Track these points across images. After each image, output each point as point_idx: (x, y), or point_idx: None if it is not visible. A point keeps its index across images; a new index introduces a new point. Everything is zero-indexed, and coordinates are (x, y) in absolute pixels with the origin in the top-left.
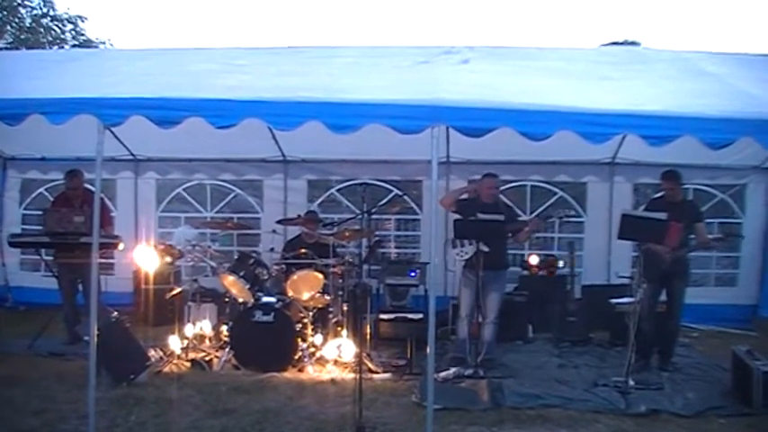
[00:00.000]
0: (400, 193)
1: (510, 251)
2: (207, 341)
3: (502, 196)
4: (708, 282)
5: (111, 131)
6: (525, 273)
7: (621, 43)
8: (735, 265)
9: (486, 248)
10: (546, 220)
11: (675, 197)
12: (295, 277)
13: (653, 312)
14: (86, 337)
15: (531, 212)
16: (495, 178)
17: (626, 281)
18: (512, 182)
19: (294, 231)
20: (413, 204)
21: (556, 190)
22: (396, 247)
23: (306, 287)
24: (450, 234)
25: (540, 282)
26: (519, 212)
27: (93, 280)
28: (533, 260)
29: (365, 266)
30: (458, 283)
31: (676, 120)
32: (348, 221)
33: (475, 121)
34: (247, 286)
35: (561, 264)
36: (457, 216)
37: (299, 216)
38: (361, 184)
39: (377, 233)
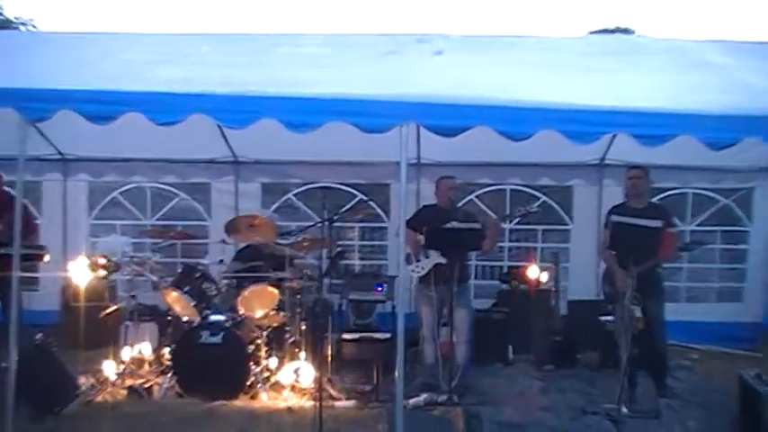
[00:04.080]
0: (365, 198)
1: (486, 262)
2: (146, 366)
3: (481, 204)
4: (709, 297)
5: (36, 128)
6: (504, 287)
7: (612, 31)
8: (740, 279)
9: (442, 260)
10: (505, 219)
11: (639, 202)
12: (247, 293)
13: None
14: (3, 364)
15: (510, 223)
16: (452, 180)
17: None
18: (489, 185)
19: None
20: (379, 211)
21: (538, 194)
22: (360, 259)
23: (259, 304)
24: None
25: (520, 297)
26: (478, 219)
27: (14, 296)
28: (532, 273)
29: (326, 280)
30: (414, 302)
31: (672, 117)
32: (307, 230)
33: (448, 118)
34: (193, 303)
35: (544, 277)
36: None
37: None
38: (321, 188)
39: (339, 243)
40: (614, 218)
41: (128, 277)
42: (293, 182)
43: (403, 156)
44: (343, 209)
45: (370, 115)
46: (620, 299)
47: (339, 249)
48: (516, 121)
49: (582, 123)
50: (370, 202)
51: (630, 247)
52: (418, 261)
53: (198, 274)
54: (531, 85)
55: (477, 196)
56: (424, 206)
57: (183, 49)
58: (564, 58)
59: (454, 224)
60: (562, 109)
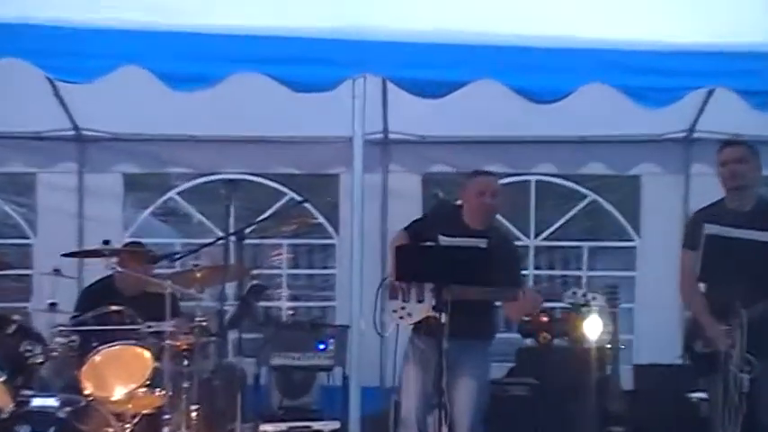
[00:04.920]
0: (299, 197)
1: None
2: None
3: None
4: None
5: None
6: (528, 342)
7: None
8: None
9: (436, 311)
10: (557, 295)
11: (744, 202)
12: (98, 358)
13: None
14: None
15: (537, 235)
16: (490, 178)
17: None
18: (503, 176)
19: (99, 272)
20: (321, 219)
21: (582, 190)
22: (292, 298)
23: (119, 376)
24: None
25: (555, 360)
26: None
27: None
28: (574, 319)
29: (232, 335)
30: (400, 360)
31: None
32: (201, 251)
33: (432, 68)
34: (3, 378)
35: (594, 326)
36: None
37: (108, 245)
38: (225, 182)
39: (256, 273)
40: (707, 229)
41: None
42: (177, 172)
43: (358, 128)
44: (263, 216)
45: (306, 63)
46: (719, 363)
47: (255, 283)
48: (543, 70)
49: (653, 73)
50: (307, 205)
51: (734, 277)
52: (406, 300)
53: (12, 328)
54: (564, 12)
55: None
56: (441, 206)
57: None
58: None
59: (442, 239)
60: (619, 50)
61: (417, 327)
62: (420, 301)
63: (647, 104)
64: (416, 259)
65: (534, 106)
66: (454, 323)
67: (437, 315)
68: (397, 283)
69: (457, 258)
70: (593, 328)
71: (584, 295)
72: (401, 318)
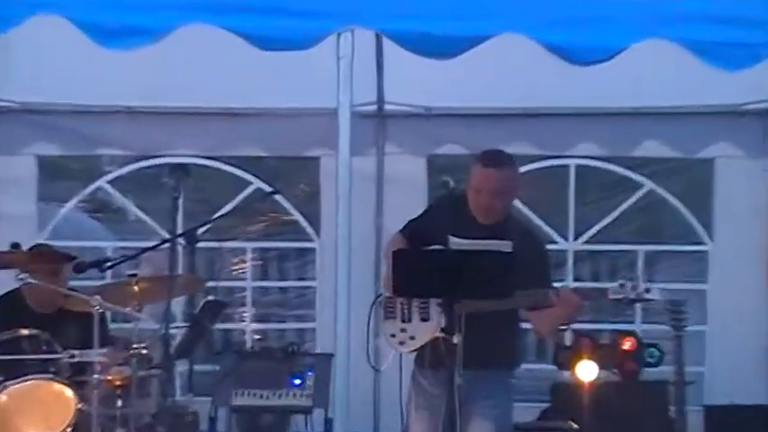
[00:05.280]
0: (268, 188)
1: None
2: None
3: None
4: None
5: None
6: (565, 375)
7: None
8: None
9: (446, 333)
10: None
11: None
12: (4, 398)
13: None
14: None
15: (577, 237)
16: (510, 168)
17: None
18: (535, 160)
19: (6, 284)
20: (297, 215)
21: (637, 178)
22: (259, 319)
23: (32, 422)
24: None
25: (602, 398)
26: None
27: None
28: (626, 346)
29: (180, 366)
30: (404, 404)
31: None
32: (140, 257)
33: (439, 19)
34: None
35: (652, 354)
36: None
37: (17, 249)
38: (173, 167)
39: (211, 284)
40: None
41: None
42: (110, 154)
43: (344, 98)
44: (221, 212)
45: (275, 12)
46: None
47: (211, 299)
48: (586, 21)
49: (735, 24)
50: (279, 197)
51: None
52: (406, 319)
53: None
54: None
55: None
56: (447, 197)
57: None
58: None
59: (453, 241)
60: None
61: (420, 356)
62: (424, 320)
63: (721, 65)
64: (420, 268)
65: (573, 69)
66: (467, 348)
67: (447, 337)
68: (395, 298)
69: (473, 267)
70: (651, 356)
71: (635, 287)
72: (401, 343)
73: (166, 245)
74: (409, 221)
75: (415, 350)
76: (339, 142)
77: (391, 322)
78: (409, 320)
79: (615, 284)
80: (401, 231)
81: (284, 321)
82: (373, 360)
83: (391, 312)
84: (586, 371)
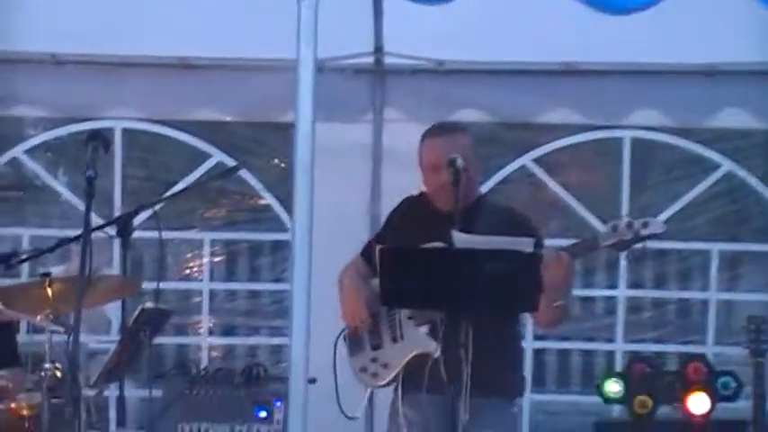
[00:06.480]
0: (231, 161)
1: (558, 344)
2: None
3: (549, 179)
4: None
5: None
6: (612, 410)
7: None
8: None
9: (429, 347)
10: (580, 252)
11: None
12: None
13: None
14: None
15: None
16: (463, 133)
17: None
18: (580, 131)
19: None
20: (269, 199)
21: (713, 156)
22: (219, 332)
23: None
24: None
25: None
26: (534, 231)
27: None
28: (696, 375)
29: (109, 392)
30: None
31: None
32: (60, 250)
33: None
34: None
35: (726, 384)
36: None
37: None
38: (90, 134)
39: (151, 287)
40: None
41: None
42: (27, 117)
43: (306, 45)
44: (171, 191)
45: None
46: None
47: (148, 306)
48: None
49: None
50: (246, 174)
51: None
52: (376, 346)
53: None
54: None
55: (538, 160)
56: (404, 202)
57: None
58: None
59: (463, 239)
60: None
61: (412, 380)
62: (395, 340)
63: None
64: (417, 271)
65: (610, 20)
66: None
67: (435, 354)
68: (357, 327)
69: (488, 271)
70: (725, 388)
71: (630, 225)
72: (373, 376)
73: (97, 234)
74: (369, 240)
75: (390, 381)
76: (299, 107)
77: (359, 356)
78: (380, 347)
79: (607, 228)
80: (362, 253)
81: (254, 335)
82: (344, 407)
83: (357, 345)
84: (640, 405)
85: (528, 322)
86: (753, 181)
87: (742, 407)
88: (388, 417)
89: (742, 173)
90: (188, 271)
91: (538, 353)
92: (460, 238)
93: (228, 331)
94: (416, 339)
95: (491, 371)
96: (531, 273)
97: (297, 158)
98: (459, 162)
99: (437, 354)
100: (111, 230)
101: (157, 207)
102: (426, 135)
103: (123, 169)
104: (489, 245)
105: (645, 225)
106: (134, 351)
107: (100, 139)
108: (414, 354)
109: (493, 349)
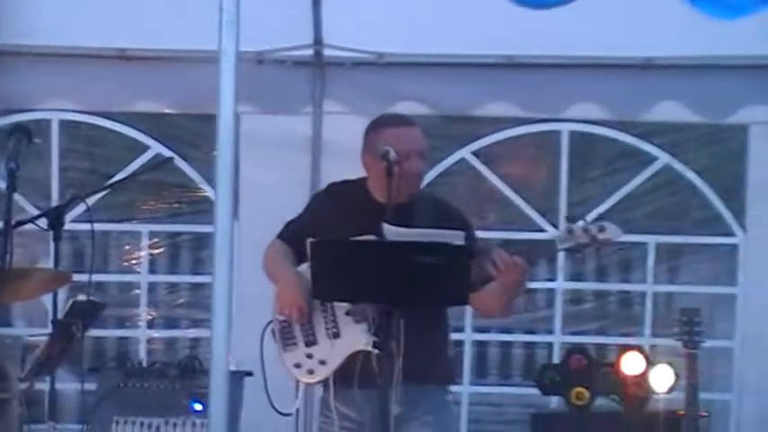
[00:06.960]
0: (167, 153)
1: (501, 336)
2: None
3: (489, 173)
4: None
5: None
6: (553, 402)
7: None
8: None
9: (367, 342)
10: (534, 257)
11: None
12: None
13: None
14: None
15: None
16: (408, 128)
17: None
18: (518, 124)
19: None
20: (207, 190)
21: (650, 149)
22: (158, 324)
23: None
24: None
25: (600, 430)
26: (467, 224)
27: None
28: (631, 365)
29: (41, 385)
30: None
31: None
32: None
33: None
34: None
35: (664, 375)
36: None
37: None
38: (13, 127)
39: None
40: None
41: None
42: None
43: (228, 37)
44: (109, 182)
45: None
46: None
47: (80, 299)
48: None
49: None
50: (183, 164)
51: None
52: (311, 342)
53: None
54: None
55: (477, 153)
56: (331, 188)
57: None
58: None
59: (394, 231)
60: None
61: (343, 376)
62: (332, 336)
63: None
64: (350, 265)
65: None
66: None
67: (375, 351)
68: (291, 321)
69: (423, 264)
70: (660, 380)
71: (586, 230)
72: (310, 372)
73: (26, 226)
74: (288, 223)
75: (325, 378)
76: (220, 99)
77: (292, 351)
78: (315, 342)
79: (563, 231)
80: (280, 236)
81: (194, 326)
82: (276, 403)
83: (290, 339)
84: (577, 397)
85: (467, 314)
86: (689, 174)
87: (679, 399)
88: (319, 412)
89: (679, 166)
90: (127, 263)
91: (479, 344)
92: (392, 231)
93: (170, 324)
94: (356, 337)
95: (423, 360)
96: (462, 265)
97: (219, 150)
98: (393, 155)
99: (369, 347)
100: (43, 223)
101: (90, 199)
102: (386, 124)
103: (62, 161)
104: (420, 237)
105: (601, 229)
106: (66, 344)
107: (23, 131)
108: (353, 351)
109: (424, 339)
